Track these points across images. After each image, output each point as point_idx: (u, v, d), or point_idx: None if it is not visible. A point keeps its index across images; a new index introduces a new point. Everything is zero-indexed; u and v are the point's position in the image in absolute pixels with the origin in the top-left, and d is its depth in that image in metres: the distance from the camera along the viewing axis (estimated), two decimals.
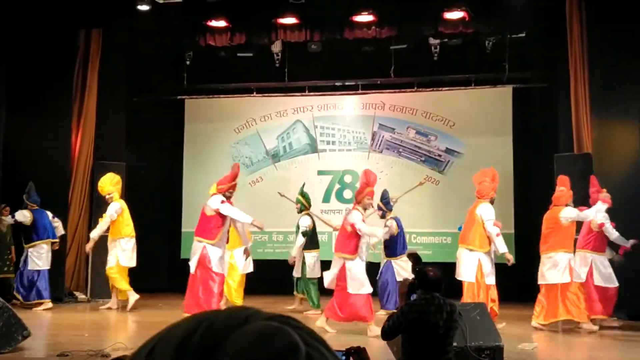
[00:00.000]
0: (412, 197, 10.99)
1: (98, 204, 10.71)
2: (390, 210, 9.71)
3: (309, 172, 12.47)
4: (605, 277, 8.52)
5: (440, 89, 12.05)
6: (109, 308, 9.73)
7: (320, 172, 12.51)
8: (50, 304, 9.67)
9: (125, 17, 10.63)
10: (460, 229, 8.54)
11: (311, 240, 9.85)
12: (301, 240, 9.69)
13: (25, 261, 9.79)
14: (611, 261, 8.60)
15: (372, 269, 8.87)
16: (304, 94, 12.45)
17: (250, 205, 10.53)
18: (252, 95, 12.54)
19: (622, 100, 9.25)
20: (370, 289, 7.71)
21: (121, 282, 9.70)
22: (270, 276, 11.12)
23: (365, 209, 7.82)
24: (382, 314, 8.58)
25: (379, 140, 12.42)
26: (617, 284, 8.50)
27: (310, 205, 10.12)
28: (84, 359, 6.04)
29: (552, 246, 8.20)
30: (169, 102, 12.91)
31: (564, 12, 10.01)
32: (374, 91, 12.36)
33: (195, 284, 8.32)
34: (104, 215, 9.89)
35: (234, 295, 9.63)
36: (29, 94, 10.53)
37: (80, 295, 10.80)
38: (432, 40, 11.19)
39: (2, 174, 10.11)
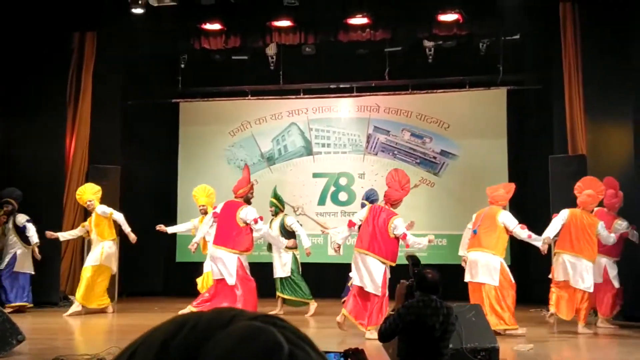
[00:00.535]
0: (407, 199, 10.88)
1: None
2: None
3: (304, 175, 12.49)
4: (613, 279, 8.66)
5: (434, 91, 12.07)
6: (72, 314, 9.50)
7: (315, 175, 12.52)
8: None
9: (119, 20, 10.61)
10: (475, 232, 8.45)
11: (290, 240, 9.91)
12: (302, 231, 9.78)
13: None
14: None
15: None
16: (298, 96, 12.45)
17: None
18: (247, 98, 12.53)
19: (616, 102, 9.28)
20: None
21: (81, 285, 9.60)
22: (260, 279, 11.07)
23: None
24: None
25: (374, 142, 12.43)
26: (619, 286, 8.64)
27: (284, 208, 10.12)
28: None
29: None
30: (164, 105, 12.89)
31: (558, 13, 10.04)
32: (368, 94, 12.37)
33: (232, 294, 8.18)
34: (83, 224, 9.95)
35: None
36: (23, 97, 10.49)
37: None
38: (426, 43, 11.21)
39: None
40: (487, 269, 8.08)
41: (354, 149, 12.50)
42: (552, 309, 8.17)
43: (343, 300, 9.37)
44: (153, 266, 12.52)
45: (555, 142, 10.53)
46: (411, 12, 10.59)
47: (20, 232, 9.96)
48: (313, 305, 9.71)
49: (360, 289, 7.79)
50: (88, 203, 9.79)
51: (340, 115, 12.66)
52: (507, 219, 8.25)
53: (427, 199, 12.01)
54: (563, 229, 8.29)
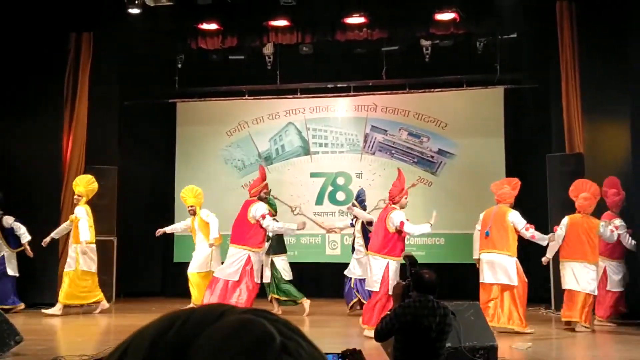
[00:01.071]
0: None
1: None
2: (365, 209, 9.73)
3: (301, 175, 12.47)
4: (614, 283, 8.71)
5: (432, 90, 12.06)
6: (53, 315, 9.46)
7: (313, 175, 12.51)
8: None
9: (116, 21, 10.60)
10: (487, 234, 8.45)
11: (279, 244, 9.90)
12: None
13: None
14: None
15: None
16: (295, 96, 12.44)
17: None
18: (244, 98, 12.52)
19: (613, 100, 9.28)
20: None
21: (64, 288, 9.58)
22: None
23: (402, 208, 7.94)
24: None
25: (372, 142, 12.42)
26: (621, 289, 8.67)
27: (276, 212, 10.10)
28: None
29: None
30: (161, 105, 12.87)
31: (555, 12, 10.04)
32: (366, 93, 12.36)
33: (226, 289, 8.21)
34: (71, 217, 9.84)
35: None
36: (20, 97, 10.47)
37: None
38: (423, 42, 11.21)
39: None
40: (504, 270, 8.14)
41: (351, 148, 12.49)
42: (580, 323, 8.14)
43: (350, 305, 9.46)
44: (151, 267, 12.51)
45: (552, 140, 10.53)
46: (408, 11, 10.58)
47: (5, 235, 9.89)
48: (306, 302, 9.68)
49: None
50: (75, 197, 9.75)
51: (338, 114, 12.65)
52: (516, 219, 8.29)
53: (425, 198, 11.99)
54: (565, 238, 8.35)
